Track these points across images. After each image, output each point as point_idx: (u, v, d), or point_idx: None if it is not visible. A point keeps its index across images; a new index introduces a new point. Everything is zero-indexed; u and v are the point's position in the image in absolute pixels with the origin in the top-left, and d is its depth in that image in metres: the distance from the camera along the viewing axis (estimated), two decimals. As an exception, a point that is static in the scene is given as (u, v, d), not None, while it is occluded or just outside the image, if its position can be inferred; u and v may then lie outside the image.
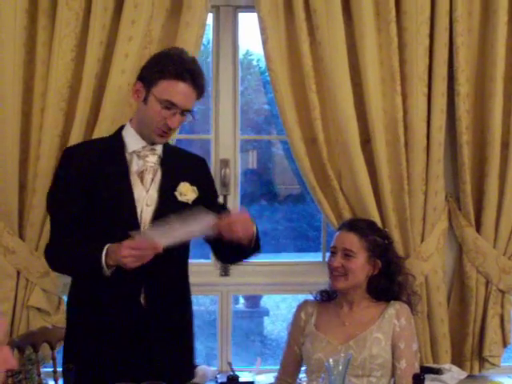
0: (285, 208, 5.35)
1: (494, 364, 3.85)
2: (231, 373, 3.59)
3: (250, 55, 4.56)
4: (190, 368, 3.02)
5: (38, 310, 3.63)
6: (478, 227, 3.80)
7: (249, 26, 3.92)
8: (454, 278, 3.90)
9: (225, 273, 3.94)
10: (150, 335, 2.80)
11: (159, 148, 2.89)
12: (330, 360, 2.36)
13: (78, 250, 2.75)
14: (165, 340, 2.82)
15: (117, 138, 2.89)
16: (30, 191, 3.56)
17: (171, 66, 2.76)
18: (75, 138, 3.50)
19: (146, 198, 2.81)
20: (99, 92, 3.59)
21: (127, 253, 2.57)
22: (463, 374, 3.76)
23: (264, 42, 3.65)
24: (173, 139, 3.64)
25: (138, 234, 2.66)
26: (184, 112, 2.81)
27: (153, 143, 2.85)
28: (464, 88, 3.70)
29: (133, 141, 2.86)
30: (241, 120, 3.99)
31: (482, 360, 3.84)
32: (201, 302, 5.89)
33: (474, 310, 3.81)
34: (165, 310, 2.83)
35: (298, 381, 3.06)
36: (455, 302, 3.88)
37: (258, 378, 3.76)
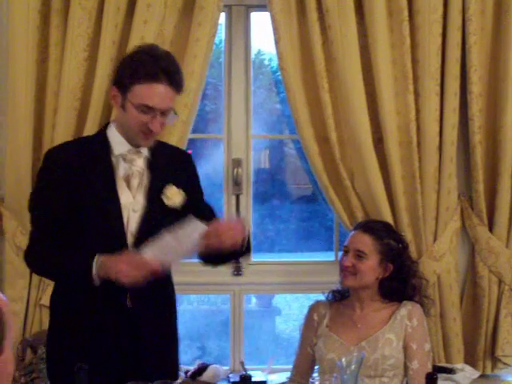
0: (297, 207, 5.33)
1: (506, 364, 3.83)
2: (244, 372, 3.61)
3: (262, 55, 4.55)
4: (173, 369, 2.96)
5: (51, 308, 3.64)
6: (491, 226, 3.78)
7: (261, 26, 3.92)
8: (467, 278, 3.88)
9: (237, 272, 3.94)
10: (137, 336, 2.74)
11: (145, 149, 2.77)
12: (343, 359, 2.36)
13: (64, 258, 2.69)
14: (151, 341, 2.77)
15: (102, 139, 2.77)
16: (43, 191, 3.56)
17: (142, 67, 2.60)
18: (88, 137, 3.50)
19: (132, 203, 2.72)
20: (112, 92, 3.59)
21: (124, 268, 2.52)
22: (476, 374, 3.75)
23: (276, 42, 3.65)
24: (185, 139, 3.66)
25: (135, 252, 2.61)
26: (165, 112, 2.66)
27: (138, 146, 2.75)
28: (476, 87, 3.68)
29: (118, 143, 2.73)
30: (253, 119, 3.99)
31: (495, 360, 3.83)
32: (212, 301, 5.88)
33: (486, 310, 3.79)
34: (151, 311, 2.77)
35: (311, 380, 3.05)
36: (468, 301, 3.87)
37: (271, 378, 3.76)
